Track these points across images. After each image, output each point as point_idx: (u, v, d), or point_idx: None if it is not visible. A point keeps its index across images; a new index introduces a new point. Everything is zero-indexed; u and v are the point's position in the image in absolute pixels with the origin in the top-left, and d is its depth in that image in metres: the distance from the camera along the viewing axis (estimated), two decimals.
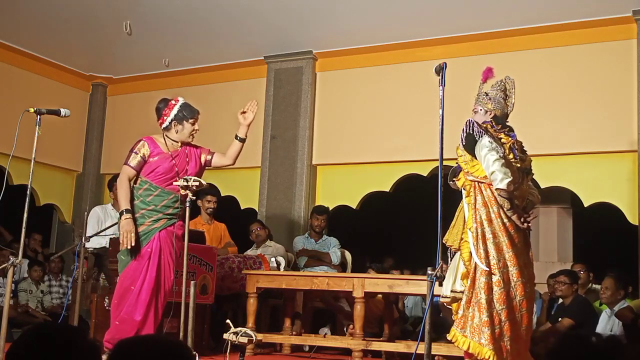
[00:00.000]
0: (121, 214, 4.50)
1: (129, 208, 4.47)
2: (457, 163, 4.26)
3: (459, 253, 4.15)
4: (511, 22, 6.74)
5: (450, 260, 4.23)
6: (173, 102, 4.65)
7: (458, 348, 4.13)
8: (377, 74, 7.49)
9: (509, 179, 3.97)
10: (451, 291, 4.12)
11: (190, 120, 4.63)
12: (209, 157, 4.79)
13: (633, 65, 6.31)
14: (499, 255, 4.02)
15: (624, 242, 6.68)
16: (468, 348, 3.97)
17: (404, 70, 7.34)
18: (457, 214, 4.24)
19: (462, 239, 4.12)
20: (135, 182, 4.59)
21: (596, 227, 8.26)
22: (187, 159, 4.66)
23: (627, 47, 6.39)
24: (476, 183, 4.11)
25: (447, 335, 4.12)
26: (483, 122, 4.22)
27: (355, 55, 7.58)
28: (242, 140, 4.82)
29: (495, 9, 6.59)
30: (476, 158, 4.13)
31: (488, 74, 4.33)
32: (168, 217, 4.54)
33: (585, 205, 6.57)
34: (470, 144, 4.12)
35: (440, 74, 3.72)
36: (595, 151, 6.46)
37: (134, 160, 4.55)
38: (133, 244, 4.41)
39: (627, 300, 5.71)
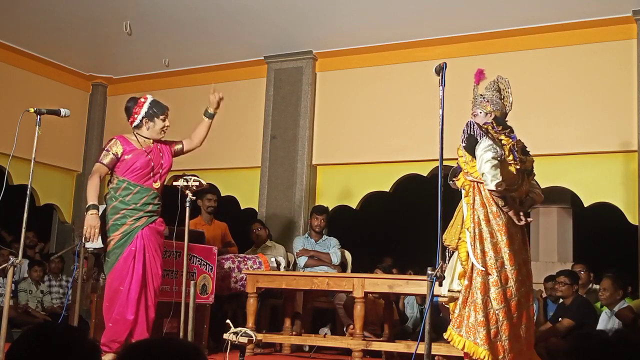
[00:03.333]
0: (87, 209, 4.48)
1: (96, 204, 4.47)
2: (457, 163, 4.28)
3: (456, 253, 4.17)
4: (511, 22, 6.73)
5: (448, 260, 4.25)
6: (142, 100, 4.71)
7: (454, 347, 4.15)
8: (377, 74, 7.48)
9: (498, 180, 4.00)
10: (448, 290, 4.14)
11: (161, 117, 4.68)
12: (178, 146, 4.88)
13: (633, 65, 6.30)
14: (497, 255, 4.04)
15: (624, 242, 6.68)
16: (463, 347, 3.99)
17: (404, 70, 7.33)
18: (456, 213, 4.25)
19: (460, 238, 4.14)
20: (111, 182, 4.60)
21: (596, 227, 8.26)
22: (161, 154, 4.71)
23: (627, 47, 6.38)
24: (475, 183, 4.13)
25: (444, 334, 4.14)
26: (484, 124, 4.23)
27: (355, 55, 7.57)
28: (212, 117, 4.90)
29: (495, 9, 6.58)
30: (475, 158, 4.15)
31: (480, 75, 4.35)
32: (148, 214, 4.56)
33: (585, 205, 6.56)
34: (471, 145, 4.13)
35: (440, 74, 3.73)
36: (595, 151, 6.45)
37: (106, 158, 4.57)
38: (96, 240, 4.41)
39: (627, 300, 5.70)
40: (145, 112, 4.64)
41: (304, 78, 7.74)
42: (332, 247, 6.90)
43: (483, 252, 4.04)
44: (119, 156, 4.57)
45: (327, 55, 7.71)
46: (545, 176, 6.27)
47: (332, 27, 7.26)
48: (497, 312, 4.00)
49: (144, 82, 8.64)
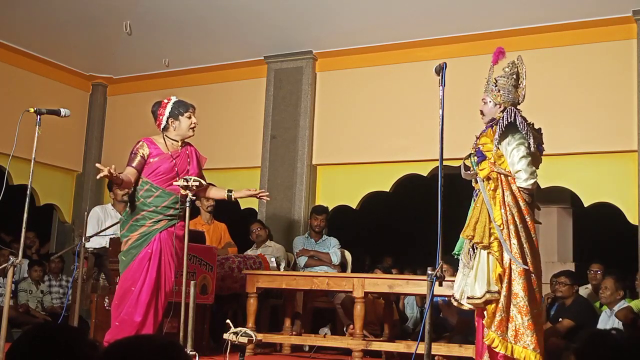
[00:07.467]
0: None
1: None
2: (474, 149, 4.06)
3: (486, 251, 3.87)
4: (511, 22, 6.73)
5: (472, 258, 3.94)
6: (166, 101, 4.69)
7: (504, 353, 3.81)
8: (377, 74, 7.48)
9: (534, 180, 3.88)
10: (487, 292, 3.81)
11: (186, 114, 4.65)
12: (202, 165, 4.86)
13: (633, 65, 6.30)
14: (534, 253, 3.85)
15: (624, 242, 6.68)
16: (512, 353, 3.74)
17: (404, 70, 7.33)
18: (478, 206, 3.94)
19: (491, 235, 3.84)
20: (136, 183, 4.59)
21: (596, 227, 8.26)
22: (189, 160, 4.68)
23: (627, 47, 6.38)
24: (503, 176, 3.91)
25: (485, 339, 3.85)
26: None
27: (355, 55, 7.57)
28: (230, 199, 4.88)
29: (495, 9, 6.58)
30: (499, 148, 3.96)
31: (499, 55, 4.15)
32: (168, 218, 4.55)
33: (585, 205, 6.56)
34: (508, 133, 3.95)
35: (440, 74, 3.70)
36: (595, 151, 6.45)
37: (134, 161, 4.56)
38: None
39: (627, 300, 5.71)
40: (170, 112, 4.62)
41: (304, 78, 7.73)
42: (332, 247, 6.91)
43: (522, 250, 3.80)
44: (146, 158, 4.56)
45: (327, 55, 7.71)
46: (545, 176, 6.27)
47: (332, 27, 7.26)
48: (536, 313, 3.81)
49: (144, 82, 8.64)
